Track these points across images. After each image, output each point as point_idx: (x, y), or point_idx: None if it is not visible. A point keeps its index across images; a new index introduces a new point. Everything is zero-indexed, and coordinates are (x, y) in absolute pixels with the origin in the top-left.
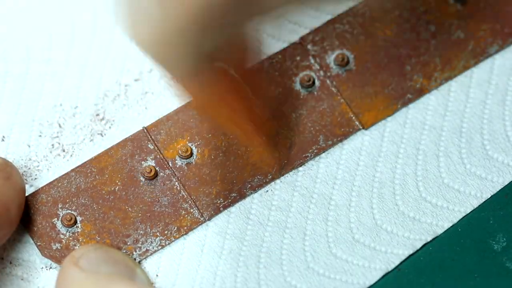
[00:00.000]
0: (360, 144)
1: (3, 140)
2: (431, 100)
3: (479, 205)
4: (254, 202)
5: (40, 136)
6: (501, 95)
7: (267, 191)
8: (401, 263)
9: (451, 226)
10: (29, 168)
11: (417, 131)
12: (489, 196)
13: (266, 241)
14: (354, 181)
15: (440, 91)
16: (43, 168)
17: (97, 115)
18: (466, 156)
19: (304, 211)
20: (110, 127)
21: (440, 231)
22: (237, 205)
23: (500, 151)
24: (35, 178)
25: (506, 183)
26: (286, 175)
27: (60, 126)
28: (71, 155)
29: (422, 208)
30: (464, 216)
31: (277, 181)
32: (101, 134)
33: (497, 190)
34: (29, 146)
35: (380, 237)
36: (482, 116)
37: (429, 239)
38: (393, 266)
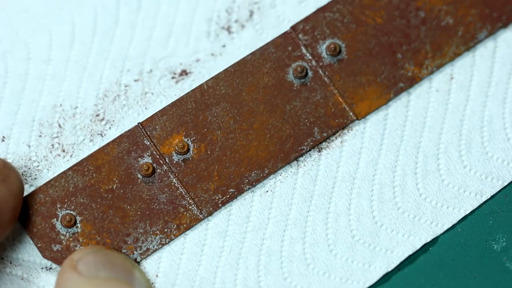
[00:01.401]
0: (359, 144)
1: (3, 140)
2: (431, 100)
3: (479, 205)
4: (254, 202)
5: (40, 136)
6: (501, 96)
7: (267, 191)
8: (401, 263)
9: (451, 226)
10: (29, 168)
11: (417, 131)
12: (489, 196)
13: (266, 241)
14: (354, 181)
15: (440, 91)
16: (43, 168)
17: (97, 115)
18: (466, 157)
19: (304, 211)
20: (110, 128)
21: (440, 231)
22: (237, 205)
23: (500, 152)
24: (35, 178)
25: (506, 183)
26: (286, 175)
27: (60, 126)
28: (71, 155)
29: (421, 208)
30: (464, 216)
31: (277, 181)
32: (101, 135)
33: (497, 190)
34: (29, 146)
35: (380, 237)
36: (482, 116)
37: (429, 239)
38: (393, 266)
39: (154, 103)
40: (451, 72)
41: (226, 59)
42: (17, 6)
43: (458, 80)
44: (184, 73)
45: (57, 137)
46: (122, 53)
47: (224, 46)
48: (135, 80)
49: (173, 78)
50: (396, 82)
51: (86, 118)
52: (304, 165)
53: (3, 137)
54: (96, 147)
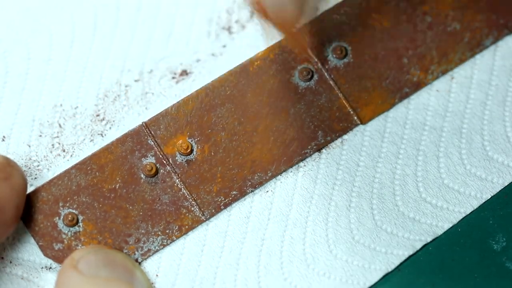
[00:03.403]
0: (360, 145)
1: (3, 140)
2: (431, 101)
3: (479, 206)
4: (254, 202)
5: (40, 136)
6: (502, 96)
7: (267, 191)
8: (401, 263)
9: (451, 227)
10: (29, 168)
11: (417, 132)
12: (489, 197)
13: (266, 241)
14: (354, 182)
15: (440, 91)
16: (43, 168)
17: (97, 115)
18: (466, 157)
19: (304, 212)
20: (110, 128)
21: (440, 231)
22: (237, 205)
23: (500, 152)
24: (35, 178)
25: (506, 184)
26: (287, 175)
27: (60, 126)
28: (71, 155)
29: (422, 209)
30: (464, 216)
31: (277, 181)
32: (101, 135)
33: (497, 191)
34: (29, 146)
35: (380, 237)
36: (483, 117)
37: (429, 239)
38: (393, 266)
39: (155, 103)
40: (452, 72)
41: (227, 59)
42: (17, 6)
43: (458, 80)
44: (184, 73)
45: (57, 137)
46: (122, 53)
47: (224, 46)
48: (136, 80)
49: (173, 78)
50: (401, 87)
51: (87, 118)
52: (304, 165)
53: (3, 137)
54: (96, 147)
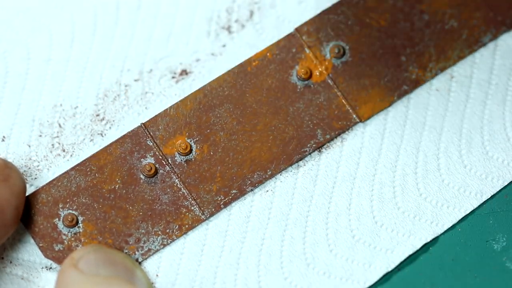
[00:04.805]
0: (360, 144)
1: (3, 140)
2: (431, 100)
3: (479, 205)
4: (254, 202)
5: (40, 136)
6: (501, 95)
7: (267, 191)
8: (401, 263)
9: (451, 226)
10: (29, 168)
11: (417, 131)
12: (489, 196)
13: (266, 241)
14: (354, 181)
15: (440, 91)
16: (43, 168)
17: (97, 115)
18: (466, 156)
19: (304, 211)
20: (110, 127)
21: (440, 231)
22: (237, 205)
23: (500, 151)
24: (35, 178)
25: (506, 183)
26: (286, 175)
27: (60, 126)
28: (71, 155)
29: (422, 208)
30: (464, 216)
31: (277, 181)
32: (101, 134)
33: (497, 190)
34: (29, 146)
35: (380, 237)
36: (482, 116)
37: (429, 239)
38: (393, 266)
39: (154, 103)
40: (451, 71)
41: (226, 59)
42: (17, 6)
43: (458, 79)
44: (184, 72)
45: (57, 136)
46: (122, 53)
47: (224, 45)
48: (135, 80)
49: (173, 77)
50: (399, 84)
51: (86, 118)
52: (304, 165)
53: (3, 137)
54: (96, 147)
